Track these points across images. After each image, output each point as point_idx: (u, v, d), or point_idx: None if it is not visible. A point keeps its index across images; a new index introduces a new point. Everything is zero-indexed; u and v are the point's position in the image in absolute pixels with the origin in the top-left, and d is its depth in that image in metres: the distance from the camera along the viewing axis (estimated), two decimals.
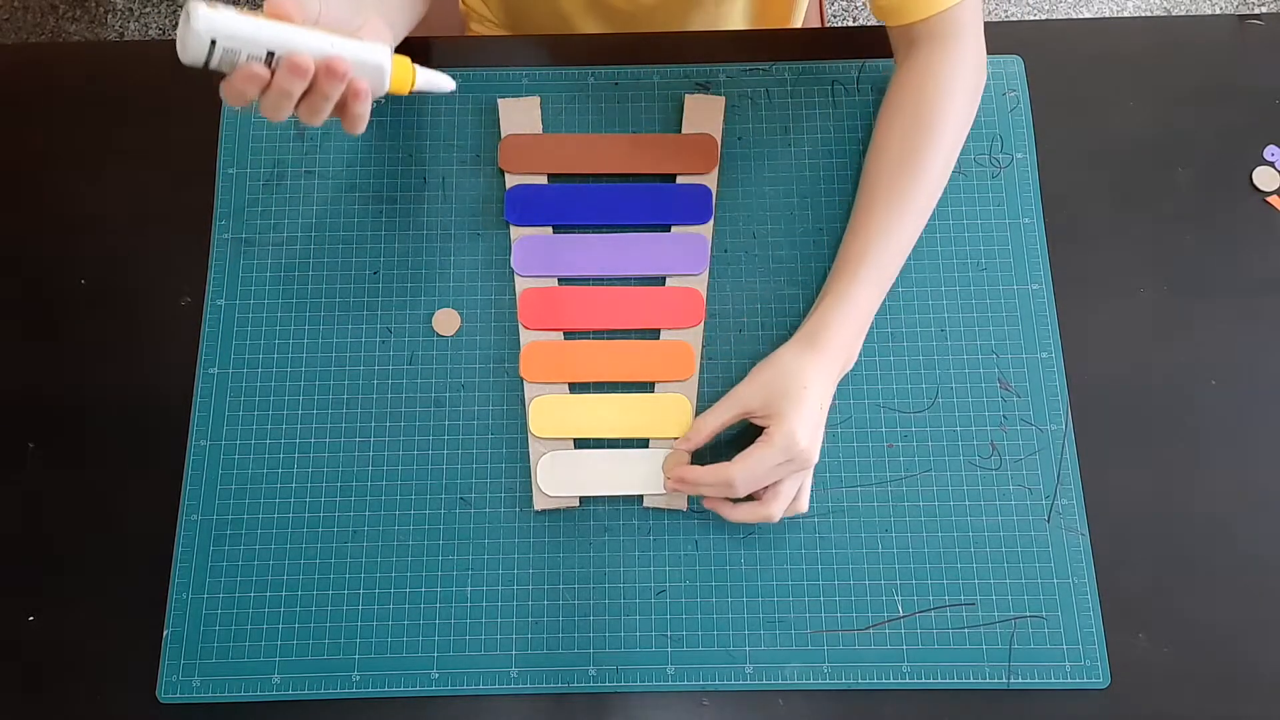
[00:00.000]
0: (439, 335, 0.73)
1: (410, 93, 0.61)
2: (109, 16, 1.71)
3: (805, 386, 0.64)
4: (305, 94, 0.56)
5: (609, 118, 0.78)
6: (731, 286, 0.74)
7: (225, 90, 0.56)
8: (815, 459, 0.65)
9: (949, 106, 0.70)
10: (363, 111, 0.58)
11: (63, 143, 0.78)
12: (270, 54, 0.55)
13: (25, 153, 0.79)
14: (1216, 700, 0.66)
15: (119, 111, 0.79)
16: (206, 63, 0.54)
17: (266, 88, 0.55)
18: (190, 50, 0.54)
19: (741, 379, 0.67)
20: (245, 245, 0.75)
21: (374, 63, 0.58)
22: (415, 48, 0.81)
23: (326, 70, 0.55)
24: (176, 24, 1.83)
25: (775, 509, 0.65)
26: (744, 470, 0.63)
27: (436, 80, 0.62)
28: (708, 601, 0.67)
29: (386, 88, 0.60)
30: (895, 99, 0.72)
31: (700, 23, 0.89)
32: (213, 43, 0.53)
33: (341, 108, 0.58)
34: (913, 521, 0.69)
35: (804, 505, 0.66)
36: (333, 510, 0.69)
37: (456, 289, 0.74)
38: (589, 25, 0.91)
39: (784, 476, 0.64)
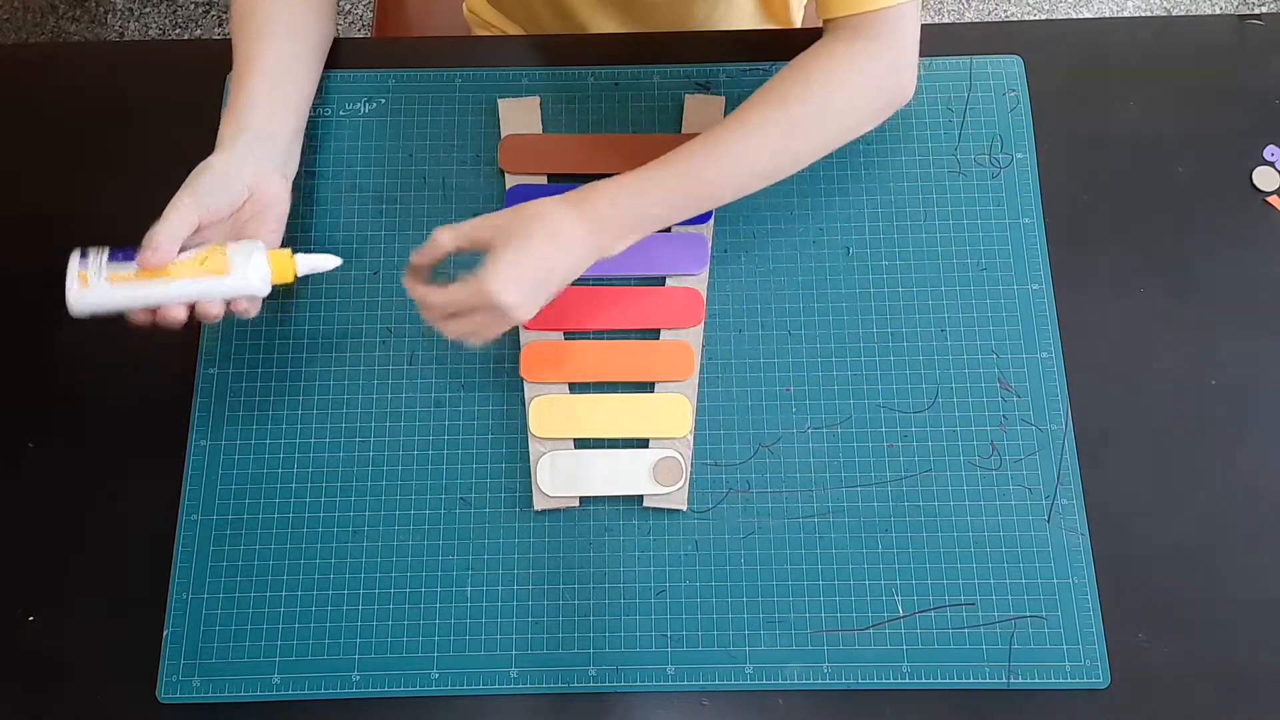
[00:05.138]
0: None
1: (294, 279, 0.65)
2: (109, 16, 1.71)
3: (525, 240, 0.62)
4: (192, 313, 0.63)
5: (609, 118, 0.78)
6: (731, 286, 0.74)
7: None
8: (519, 316, 0.63)
9: (843, 89, 0.68)
10: (249, 311, 0.65)
11: (62, 142, 0.78)
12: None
13: (25, 153, 0.79)
14: (1216, 700, 0.66)
15: (119, 111, 0.79)
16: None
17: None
18: (75, 312, 0.61)
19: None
20: None
21: (246, 292, 0.63)
22: (417, 47, 0.81)
23: (200, 310, 0.63)
24: (176, 24, 1.80)
25: (449, 327, 0.64)
26: (440, 296, 0.63)
27: (319, 262, 0.66)
28: (708, 601, 0.67)
29: (266, 293, 0.65)
30: (794, 64, 0.69)
31: (704, 14, 0.89)
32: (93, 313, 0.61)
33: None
34: (913, 521, 0.69)
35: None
36: (333, 510, 0.69)
37: None
38: (597, 21, 0.90)
39: (476, 314, 0.63)
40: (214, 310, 0.63)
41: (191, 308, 0.63)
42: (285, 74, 0.71)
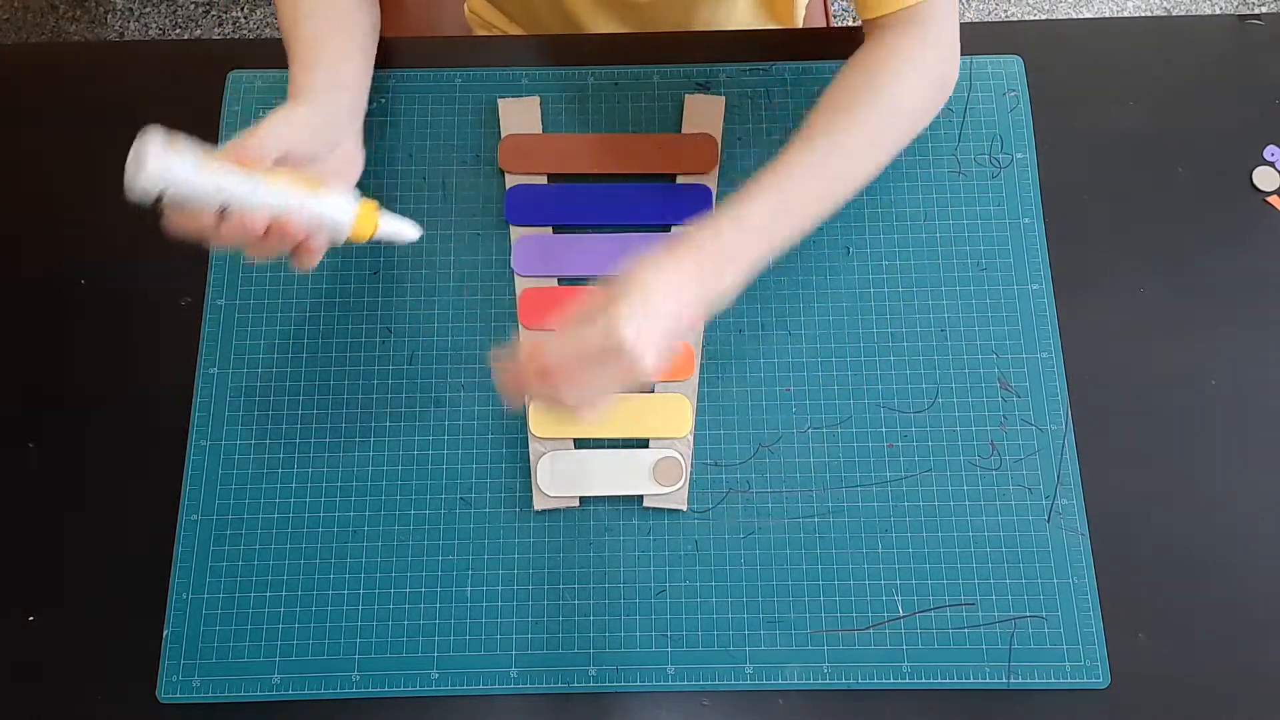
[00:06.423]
0: None
1: (369, 240, 0.60)
2: (109, 16, 1.71)
3: (644, 283, 0.57)
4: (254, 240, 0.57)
5: (609, 118, 0.78)
6: None
7: (168, 223, 0.56)
8: (647, 364, 0.55)
9: (905, 82, 0.68)
10: (311, 262, 0.60)
11: (62, 143, 0.78)
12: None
13: (25, 153, 0.79)
14: (1216, 700, 0.66)
15: (119, 111, 0.79)
16: (155, 199, 0.53)
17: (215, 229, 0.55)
18: (136, 189, 0.52)
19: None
20: None
21: (332, 220, 0.58)
22: (417, 47, 0.81)
23: (277, 229, 0.56)
24: (177, 24, 1.80)
25: (568, 393, 0.57)
26: (558, 343, 0.56)
27: (399, 229, 0.61)
28: (708, 601, 0.67)
29: (344, 239, 0.60)
30: (850, 66, 0.69)
31: (707, 15, 0.89)
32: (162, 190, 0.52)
33: (292, 253, 0.59)
34: (913, 521, 0.69)
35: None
36: (333, 510, 0.69)
37: (456, 289, 0.74)
38: (597, 22, 0.91)
39: (602, 368, 0.56)
40: (293, 228, 0.56)
41: (266, 230, 0.56)
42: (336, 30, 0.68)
